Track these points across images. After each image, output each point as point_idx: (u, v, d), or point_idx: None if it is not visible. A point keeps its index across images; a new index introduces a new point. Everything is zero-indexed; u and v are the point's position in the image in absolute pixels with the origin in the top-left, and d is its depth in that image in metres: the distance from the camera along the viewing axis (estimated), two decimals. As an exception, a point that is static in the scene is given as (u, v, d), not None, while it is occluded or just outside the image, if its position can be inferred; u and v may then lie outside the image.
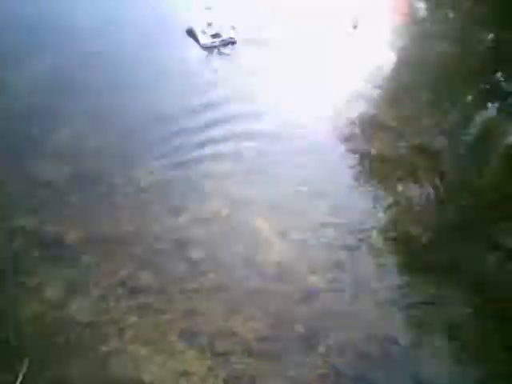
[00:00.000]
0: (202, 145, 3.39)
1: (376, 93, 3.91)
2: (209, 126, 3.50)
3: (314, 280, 2.70)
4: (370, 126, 3.63)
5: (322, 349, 2.45)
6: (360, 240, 2.88)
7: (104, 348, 2.45)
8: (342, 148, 3.48)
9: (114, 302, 2.66)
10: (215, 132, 3.47)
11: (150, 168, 3.27)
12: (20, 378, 2.28)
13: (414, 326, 2.51)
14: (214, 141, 3.39)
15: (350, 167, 3.35)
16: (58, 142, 3.39)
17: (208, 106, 3.67)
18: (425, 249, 2.84)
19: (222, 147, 3.36)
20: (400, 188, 3.21)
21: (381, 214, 3.07)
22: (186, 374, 2.38)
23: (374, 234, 2.94)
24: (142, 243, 2.87)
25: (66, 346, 2.46)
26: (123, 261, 2.82)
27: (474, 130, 3.60)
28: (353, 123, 3.65)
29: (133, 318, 2.60)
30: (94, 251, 2.86)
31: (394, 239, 2.90)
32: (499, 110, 3.73)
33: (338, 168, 3.35)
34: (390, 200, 3.15)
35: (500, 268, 2.78)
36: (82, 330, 2.53)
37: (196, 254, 2.83)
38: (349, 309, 2.59)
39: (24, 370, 2.31)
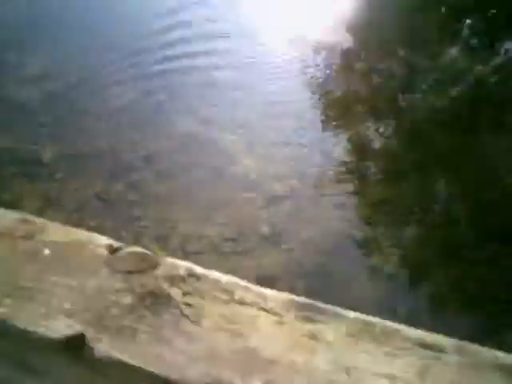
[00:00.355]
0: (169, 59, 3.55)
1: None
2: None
3: (278, 188, 2.90)
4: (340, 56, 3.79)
5: (285, 246, 2.66)
6: (322, 153, 3.08)
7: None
8: (310, 74, 3.65)
9: (90, 212, 2.81)
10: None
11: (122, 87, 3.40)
12: None
13: (367, 223, 2.74)
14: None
15: (316, 92, 3.53)
16: (31, 66, 3.46)
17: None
18: (378, 156, 3.07)
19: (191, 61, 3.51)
20: (360, 109, 3.41)
21: (342, 133, 3.27)
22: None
23: (337, 149, 3.14)
24: (115, 158, 3.02)
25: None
26: (97, 175, 2.96)
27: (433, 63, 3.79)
28: (324, 49, 3.81)
29: (108, 226, 2.76)
30: (68, 168, 2.99)
31: (353, 150, 3.11)
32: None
33: (305, 92, 3.53)
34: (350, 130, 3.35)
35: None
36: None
37: (166, 168, 2.99)
38: (309, 212, 2.79)
39: None
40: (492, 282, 2.40)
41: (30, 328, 0.42)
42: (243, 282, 0.43)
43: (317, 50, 3.77)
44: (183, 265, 0.44)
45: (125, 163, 2.99)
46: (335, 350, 0.37)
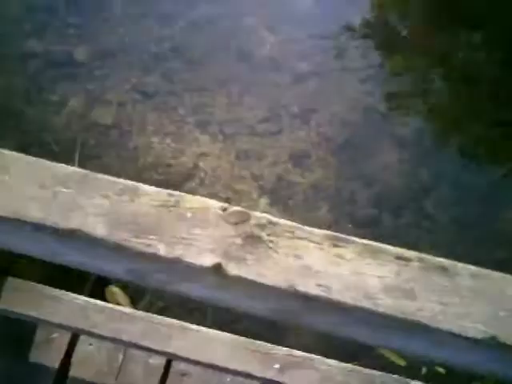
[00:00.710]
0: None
1: None
2: None
3: (303, 66, 3.07)
4: None
5: (313, 123, 2.91)
6: (346, 28, 3.18)
7: (131, 144, 2.92)
8: None
9: (131, 106, 3.05)
10: None
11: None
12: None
13: (392, 96, 2.94)
14: None
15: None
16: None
17: None
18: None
19: None
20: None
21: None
22: (203, 155, 2.87)
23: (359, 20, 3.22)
24: (144, 51, 3.17)
25: (98, 145, 2.93)
26: (132, 69, 3.15)
27: None
28: None
29: (151, 117, 3.02)
30: (103, 65, 3.18)
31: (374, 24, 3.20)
32: None
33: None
34: None
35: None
36: (107, 130, 2.98)
37: (193, 56, 3.15)
38: (335, 88, 2.99)
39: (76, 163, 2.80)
40: None
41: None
42: (300, 225, 0.71)
43: None
44: (265, 216, 0.71)
45: (154, 56, 3.14)
46: (351, 263, 0.68)
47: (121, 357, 1.65)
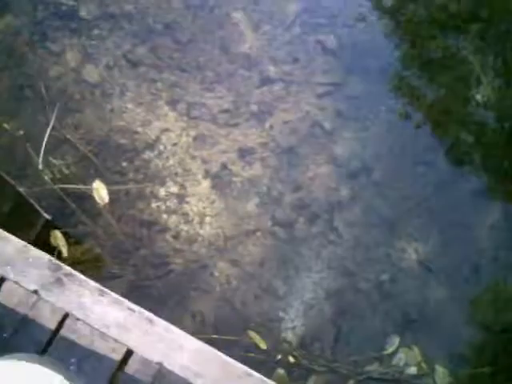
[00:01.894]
0: None
1: None
2: None
3: (273, 70, 3.41)
4: None
5: (267, 124, 3.29)
6: (317, 42, 3.47)
7: (108, 106, 3.34)
8: None
9: (118, 70, 3.45)
10: None
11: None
12: (52, 120, 3.23)
13: (337, 115, 3.29)
14: None
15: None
16: None
17: None
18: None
19: None
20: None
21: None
22: (167, 130, 3.30)
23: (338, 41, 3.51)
24: (142, 23, 3.53)
25: (82, 100, 3.36)
26: (126, 37, 3.52)
27: None
28: None
29: (131, 84, 3.42)
30: (103, 26, 3.54)
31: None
32: None
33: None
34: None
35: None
36: (93, 88, 3.40)
37: (182, 37, 3.49)
38: (293, 98, 3.34)
39: (55, 114, 3.25)
40: None
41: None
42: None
43: None
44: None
45: (149, 28, 3.50)
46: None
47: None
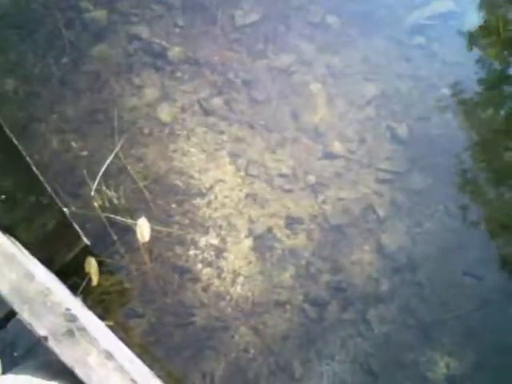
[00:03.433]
0: None
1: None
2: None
3: (337, 147, 3.40)
4: None
5: (321, 198, 3.26)
6: (388, 127, 3.45)
7: (173, 146, 3.42)
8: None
9: (190, 114, 3.54)
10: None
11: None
12: (117, 149, 3.33)
13: (393, 204, 3.22)
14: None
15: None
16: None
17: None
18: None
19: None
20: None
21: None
22: (221, 181, 3.32)
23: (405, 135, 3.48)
24: (223, 75, 3.63)
25: (149, 135, 3.45)
26: (205, 85, 3.63)
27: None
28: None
29: (199, 130, 3.50)
30: (186, 70, 3.67)
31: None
32: None
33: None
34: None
35: None
36: (162, 126, 3.50)
37: (258, 95, 3.56)
38: (352, 177, 3.31)
39: (120, 143, 3.36)
40: None
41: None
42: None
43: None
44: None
45: (228, 81, 3.60)
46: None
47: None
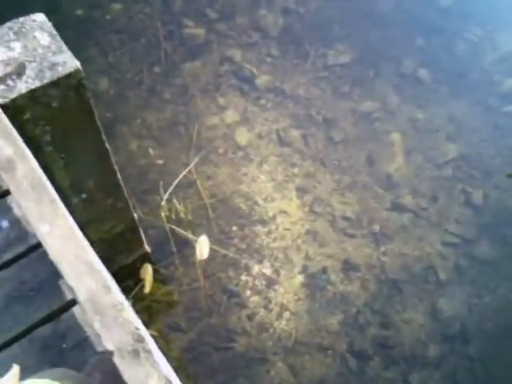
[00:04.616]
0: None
1: None
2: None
3: (409, 200, 3.34)
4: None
5: (382, 249, 3.21)
6: (462, 191, 3.37)
7: (244, 169, 3.47)
8: None
9: (266, 142, 3.59)
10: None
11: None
12: (192, 164, 3.42)
13: (455, 270, 3.11)
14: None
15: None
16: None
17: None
18: None
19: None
20: None
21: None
22: (285, 213, 3.33)
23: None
24: (306, 109, 3.67)
25: (223, 155, 3.52)
26: (286, 116, 3.67)
27: None
28: None
29: (272, 159, 3.53)
30: (271, 99, 3.74)
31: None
32: None
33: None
34: None
35: None
36: (237, 149, 3.55)
37: (335, 135, 3.57)
38: (417, 234, 3.24)
39: (196, 159, 3.44)
40: None
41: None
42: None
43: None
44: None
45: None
46: None
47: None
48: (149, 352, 1.18)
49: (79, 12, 4.02)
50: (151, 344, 1.22)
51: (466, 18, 4.08)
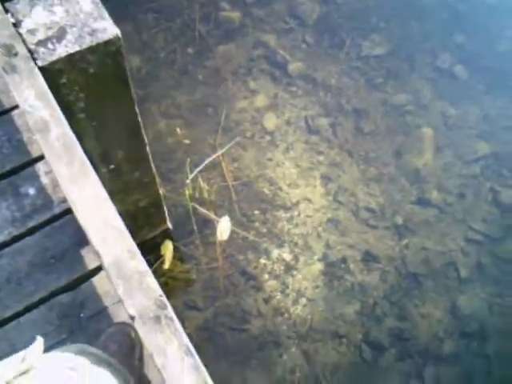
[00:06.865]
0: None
1: None
2: None
3: (435, 195, 3.30)
4: None
5: (404, 242, 3.17)
6: (491, 189, 3.31)
7: (269, 154, 3.47)
8: None
9: (294, 129, 3.57)
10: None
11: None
12: (220, 148, 3.43)
13: (477, 267, 3.07)
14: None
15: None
16: None
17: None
18: None
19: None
20: None
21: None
22: (308, 200, 3.32)
23: None
24: (336, 98, 3.65)
25: (250, 139, 3.52)
26: (316, 104, 3.65)
27: None
28: None
29: (299, 145, 3.52)
30: (302, 86, 3.72)
31: None
32: None
33: None
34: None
35: None
36: (264, 134, 3.55)
37: (364, 126, 3.54)
38: (441, 229, 3.20)
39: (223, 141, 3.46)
40: None
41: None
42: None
43: None
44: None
45: (339, 105, 3.60)
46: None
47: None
48: (171, 319, 1.19)
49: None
50: (172, 312, 1.23)
51: (510, 16, 4.00)
